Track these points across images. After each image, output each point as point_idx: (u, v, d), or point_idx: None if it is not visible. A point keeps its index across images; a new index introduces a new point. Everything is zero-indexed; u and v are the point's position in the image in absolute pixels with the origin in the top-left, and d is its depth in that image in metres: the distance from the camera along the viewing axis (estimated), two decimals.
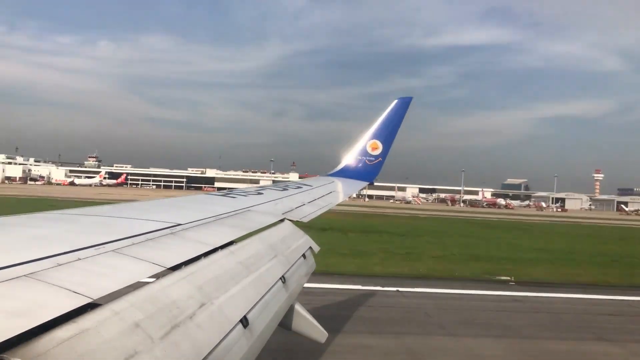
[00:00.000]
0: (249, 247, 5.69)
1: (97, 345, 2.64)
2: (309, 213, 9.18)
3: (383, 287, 26.58)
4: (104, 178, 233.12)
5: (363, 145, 17.13)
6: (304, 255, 6.92)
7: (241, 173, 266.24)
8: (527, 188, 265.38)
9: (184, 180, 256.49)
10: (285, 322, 5.81)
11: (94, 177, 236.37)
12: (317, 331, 6.54)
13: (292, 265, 6.20)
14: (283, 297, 5.38)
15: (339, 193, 13.84)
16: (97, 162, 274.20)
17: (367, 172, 17.03)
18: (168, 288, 3.70)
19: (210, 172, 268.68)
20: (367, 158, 17.07)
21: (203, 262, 4.63)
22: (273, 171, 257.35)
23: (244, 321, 4.10)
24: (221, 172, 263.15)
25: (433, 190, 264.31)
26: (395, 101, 17.10)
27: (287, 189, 11.45)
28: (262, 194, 9.44)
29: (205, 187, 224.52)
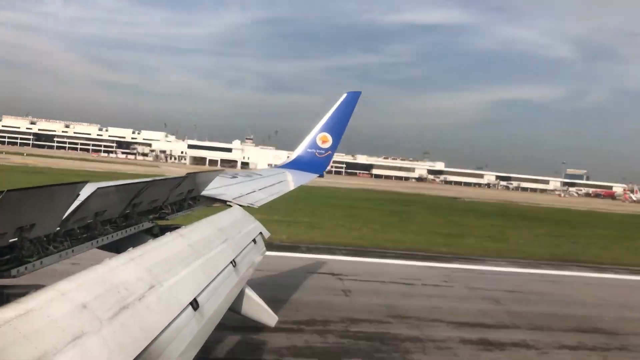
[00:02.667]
0: (199, 231, 5.65)
1: (43, 326, 2.58)
2: (260, 199, 9.21)
3: None
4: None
5: (313, 137, 17.26)
6: (254, 240, 6.93)
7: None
8: (588, 178, 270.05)
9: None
10: (235, 306, 5.82)
11: None
12: (267, 315, 6.58)
13: (242, 250, 6.21)
14: (233, 280, 5.39)
15: (289, 182, 13.96)
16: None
17: (317, 164, 17.19)
18: (116, 269, 3.64)
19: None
20: (317, 151, 17.21)
21: (152, 244, 4.58)
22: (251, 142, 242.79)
23: (194, 304, 4.09)
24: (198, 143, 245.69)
25: (508, 178, 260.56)
26: (345, 95, 17.31)
27: (237, 177, 11.41)
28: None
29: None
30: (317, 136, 17.19)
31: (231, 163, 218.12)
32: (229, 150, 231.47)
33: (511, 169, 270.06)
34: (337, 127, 17.32)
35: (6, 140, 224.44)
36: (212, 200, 8.14)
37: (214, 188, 8.44)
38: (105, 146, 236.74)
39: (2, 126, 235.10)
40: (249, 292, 6.29)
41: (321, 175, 17.50)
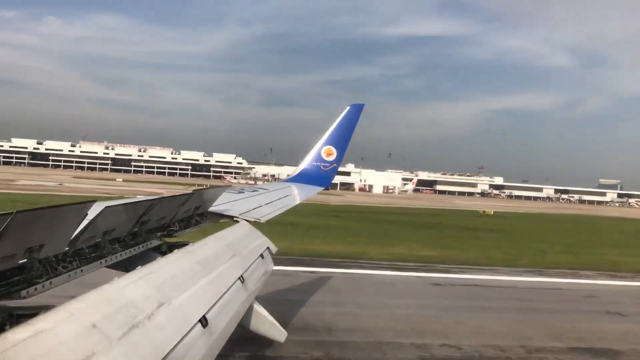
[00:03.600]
0: (206, 247, 5.65)
1: (54, 347, 2.59)
2: (266, 214, 9.20)
3: None
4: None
5: (317, 151, 17.30)
6: (262, 255, 6.92)
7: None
8: (621, 188, 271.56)
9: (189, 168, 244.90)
10: (244, 322, 5.80)
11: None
12: (276, 330, 6.56)
13: (250, 265, 6.19)
14: (242, 296, 5.37)
15: (295, 196, 13.97)
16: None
17: (322, 177, 17.20)
18: (125, 288, 3.64)
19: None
20: (322, 164, 17.23)
21: (161, 262, 4.58)
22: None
23: (203, 321, 4.08)
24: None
25: (566, 192, 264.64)
26: (348, 107, 17.35)
27: (243, 192, 11.43)
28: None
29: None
30: (322, 149, 17.22)
31: (347, 185, 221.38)
32: (348, 173, 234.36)
33: (545, 181, 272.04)
34: (341, 140, 17.35)
35: (85, 165, 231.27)
36: (220, 216, 8.14)
37: (221, 204, 8.45)
38: (180, 169, 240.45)
39: (81, 152, 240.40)
40: (258, 307, 6.27)
41: (327, 188, 17.49)
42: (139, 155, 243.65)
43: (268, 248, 7.52)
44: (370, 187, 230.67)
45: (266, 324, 6.42)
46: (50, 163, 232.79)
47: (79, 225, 4.05)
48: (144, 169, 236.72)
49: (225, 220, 8.15)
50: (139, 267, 4.23)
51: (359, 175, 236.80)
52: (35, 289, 3.58)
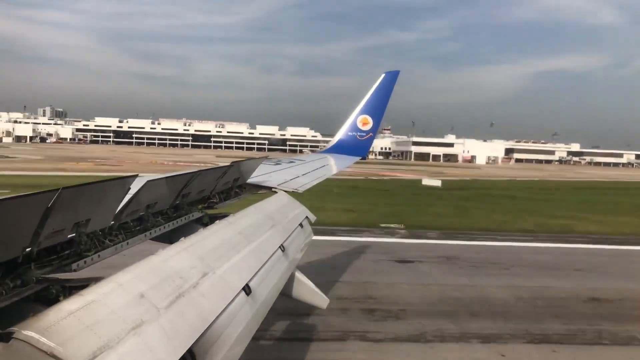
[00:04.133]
0: (247, 218, 5.73)
1: (104, 316, 2.67)
2: (303, 184, 9.26)
3: None
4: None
5: (353, 120, 17.16)
6: (301, 225, 6.99)
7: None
8: None
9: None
10: (286, 290, 5.89)
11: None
12: (318, 297, 6.66)
13: (290, 235, 6.26)
14: (283, 265, 5.44)
15: (331, 166, 13.97)
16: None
17: (359, 147, 17.10)
18: (170, 259, 3.73)
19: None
20: (358, 133, 17.11)
21: (203, 233, 4.66)
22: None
23: (247, 289, 4.15)
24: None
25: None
26: (383, 75, 17.07)
27: (280, 163, 11.50)
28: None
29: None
30: (357, 119, 17.07)
31: (449, 157, 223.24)
32: (451, 145, 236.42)
33: (626, 146, 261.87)
34: (376, 109, 17.14)
35: (167, 142, 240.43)
36: (258, 187, 8.22)
37: (259, 175, 8.52)
38: (258, 144, 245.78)
39: (162, 129, 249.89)
40: (299, 275, 6.37)
41: (363, 158, 17.41)
42: (217, 131, 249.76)
43: (307, 217, 7.58)
44: (473, 157, 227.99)
45: (308, 291, 6.52)
46: (134, 140, 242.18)
47: (122, 199, 4.15)
48: (223, 144, 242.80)
49: (264, 191, 8.23)
50: (182, 238, 4.32)
51: (462, 147, 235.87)
52: (85, 262, 3.70)
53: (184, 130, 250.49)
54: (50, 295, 3.17)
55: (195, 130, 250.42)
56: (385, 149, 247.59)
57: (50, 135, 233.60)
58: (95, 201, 3.70)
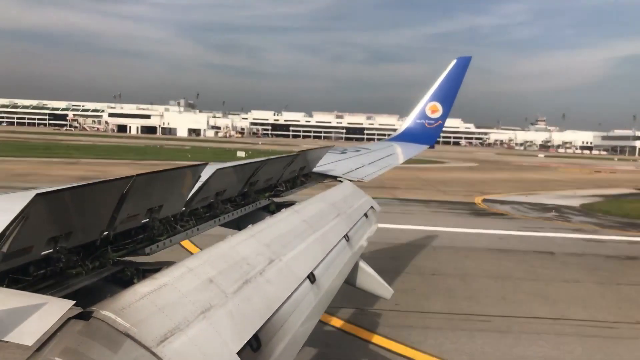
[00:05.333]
0: (312, 207, 5.77)
1: (175, 299, 2.77)
2: (369, 173, 9.21)
3: None
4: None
5: (422, 108, 16.80)
6: (365, 215, 6.96)
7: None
8: None
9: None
10: (350, 279, 5.90)
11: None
12: (382, 288, 6.62)
13: (354, 224, 6.26)
14: (347, 254, 5.45)
15: (398, 155, 13.78)
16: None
17: (427, 135, 16.74)
18: (238, 245, 3.82)
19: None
20: (427, 121, 16.75)
21: (269, 220, 4.74)
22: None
23: (311, 277, 4.19)
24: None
25: None
26: (454, 61, 16.57)
27: (345, 152, 11.48)
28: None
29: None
30: (427, 106, 16.70)
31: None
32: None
33: None
34: (447, 96, 16.69)
35: (322, 134, 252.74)
36: (323, 176, 8.25)
37: (325, 164, 8.55)
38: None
39: (317, 122, 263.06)
40: (363, 265, 6.35)
41: (432, 146, 17.05)
42: (369, 124, 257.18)
43: (372, 207, 7.54)
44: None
45: (372, 281, 6.49)
46: (291, 133, 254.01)
47: (193, 186, 4.29)
48: (376, 137, 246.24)
49: (329, 180, 8.25)
50: (249, 225, 4.41)
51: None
52: (157, 246, 3.86)
53: (337, 123, 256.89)
54: (125, 277, 3.34)
55: (348, 123, 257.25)
56: (587, 143, 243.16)
57: (218, 128, 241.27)
58: (167, 188, 3.85)
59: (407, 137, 16.77)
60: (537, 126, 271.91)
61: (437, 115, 16.67)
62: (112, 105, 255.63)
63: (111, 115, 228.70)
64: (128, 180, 3.13)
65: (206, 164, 4.26)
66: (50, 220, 2.77)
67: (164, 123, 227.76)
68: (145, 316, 2.50)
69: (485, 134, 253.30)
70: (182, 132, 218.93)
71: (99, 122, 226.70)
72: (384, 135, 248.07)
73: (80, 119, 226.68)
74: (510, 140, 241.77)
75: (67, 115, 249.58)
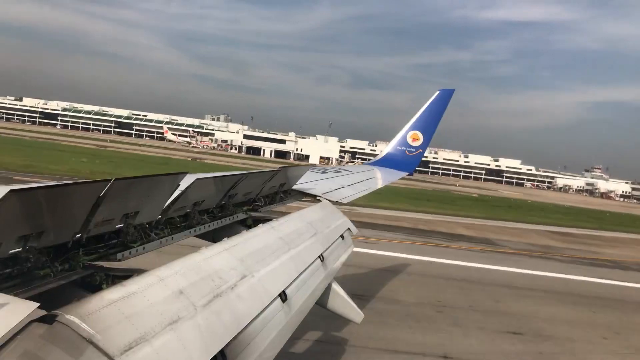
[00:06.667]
0: (289, 224, 5.74)
1: (143, 309, 2.72)
2: (348, 195, 9.23)
3: None
4: None
5: (403, 135, 17.01)
6: (342, 236, 6.95)
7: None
8: None
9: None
10: (322, 300, 5.86)
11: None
12: (353, 311, 6.59)
13: (330, 245, 6.24)
14: (321, 275, 5.42)
15: (377, 180, 13.87)
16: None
17: (407, 162, 16.92)
18: (211, 258, 3.77)
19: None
20: (407, 149, 16.94)
21: (245, 235, 4.70)
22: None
23: (283, 296, 4.15)
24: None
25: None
26: (438, 92, 16.88)
27: (326, 172, 11.50)
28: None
29: None
30: (408, 134, 16.91)
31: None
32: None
33: None
34: (428, 125, 16.94)
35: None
36: (303, 194, 8.24)
37: (305, 182, 8.55)
38: (475, 173, 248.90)
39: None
40: (336, 287, 6.32)
41: (411, 174, 17.22)
42: (433, 157, 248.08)
43: (349, 229, 7.54)
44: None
45: (344, 304, 6.46)
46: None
47: (171, 195, 4.23)
48: (440, 171, 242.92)
49: (308, 198, 8.24)
50: (225, 238, 4.37)
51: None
52: (130, 253, 3.79)
53: (433, 158, 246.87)
54: (94, 282, 3.26)
55: (444, 159, 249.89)
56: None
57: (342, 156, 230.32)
58: (145, 194, 3.79)
59: (387, 162, 16.92)
60: (593, 173, 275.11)
61: (418, 143, 16.89)
62: (174, 117, 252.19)
63: (246, 137, 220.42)
64: (106, 183, 3.08)
65: (186, 173, 4.22)
66: (21, 218, 2.69)
67: (297, 149, 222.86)
68: (111, 324, 2.44)
69: (552, 178, 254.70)
70: (314, 159, 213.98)
71: (213, 140, 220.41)
72: (447, 170, 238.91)
73: (198, 137, 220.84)
74: (610, 191, 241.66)
75: (132, 124, 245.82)
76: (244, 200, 6.32)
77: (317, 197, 8.22)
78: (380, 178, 14.51)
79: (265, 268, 4.24)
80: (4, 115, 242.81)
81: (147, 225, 4.15)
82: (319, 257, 5.60)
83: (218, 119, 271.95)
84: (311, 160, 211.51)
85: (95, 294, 2.64)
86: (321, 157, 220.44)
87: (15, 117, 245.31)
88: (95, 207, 3.15)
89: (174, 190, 4.25)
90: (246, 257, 4.15)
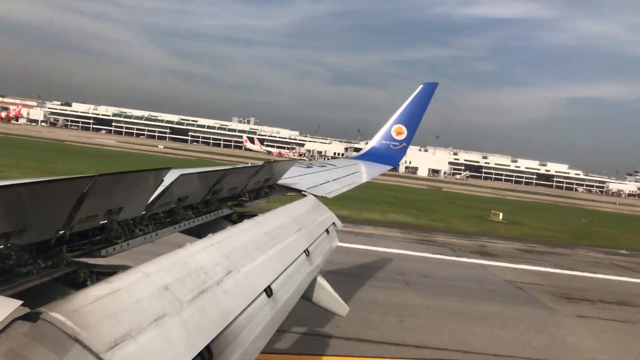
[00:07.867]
0: (274, 219, 5.75)
1: (128, 305, 2.71)
2: (333, 190, 9.25)
3: None
4: None
5: (388, 129, 17.09)
6: (327, 231, 6.98)
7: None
8: None
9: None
10: (307, 294, 5.89)
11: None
12: (338, 305, 6.64)
13: (315, 239, 6.26)
14: (306, 269, 5.44)
15: (362, 174, 13.92)
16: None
17: (391, 156, 17.02)
18: (196, 254, 3.77)
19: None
20: (392, 142, 17.03)
21: (231, 230, 4.70)
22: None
23: (268, 290, 4.16)
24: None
25: None
26: (421, 86, 16.97)
27: (311, 167, 11.52)
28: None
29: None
30: (392, 128, 17.00)
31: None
32: None
33: None
34: (412, 119, 17.04)
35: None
36: (288, 189, 8.25)
37: (290, 177, 8.55)
38: (526, 178, 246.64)
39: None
40: (321, 281, 6.36)
41: (395, 168, 17.31)
42: (485, 162, 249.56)
43: (334, 224, 7.57)
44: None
45: (329, 298, 6.51)
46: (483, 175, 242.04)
47: (155, 190, 4.21)
48: (493, 176, 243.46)
49: (293, 193, 8.25)
50: (210, 234, 4.36)
51: None
52: (114, 249, 3.76)
53: (455, 159, 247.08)
54: (79, 278, 3.24)
55: (465, 160, 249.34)
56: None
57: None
58: (129, 190, 3.76)
59: (371, 156, 16.99)
60: (636, 176, 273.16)
61: (402, 137, 16.98)
62: (224, 123, 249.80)
63: (346, 149, 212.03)
64: (90, 179, 3.05)
65: (170, 168, 4.20)
66: (3, 216, 2.67)
67: (405, 161, 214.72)
68: (96, 320, 2.43)
69: (602, 182, 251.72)
70: (422, 172, 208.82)
71: (306, 152, 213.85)
72: (501, 175, 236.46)
73: (297, 148, 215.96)
74: None
75: (187, 130, 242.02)
76: (229, 195, 6.30)
77: (302, 192, 8.23)
78: (365, 172, 14.58)
79: (251, 263, 4.25)
80: (50, 120, 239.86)
81: (132, 221, 4.13)
82: (305, 251, 5.62)
83: (248, 122, 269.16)
84: (419, 173, 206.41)
85: (79, 290, 2.63)
86: (432, 170, 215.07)
87: (70, 122, 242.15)
88: (79, 204, 3.12)
89: (158, 186, 4.23)
90: (231, 253, 4.15)
